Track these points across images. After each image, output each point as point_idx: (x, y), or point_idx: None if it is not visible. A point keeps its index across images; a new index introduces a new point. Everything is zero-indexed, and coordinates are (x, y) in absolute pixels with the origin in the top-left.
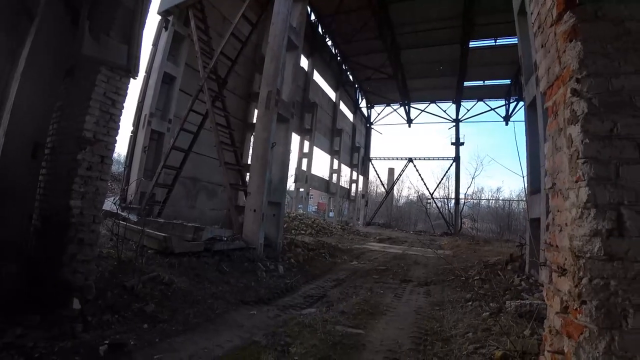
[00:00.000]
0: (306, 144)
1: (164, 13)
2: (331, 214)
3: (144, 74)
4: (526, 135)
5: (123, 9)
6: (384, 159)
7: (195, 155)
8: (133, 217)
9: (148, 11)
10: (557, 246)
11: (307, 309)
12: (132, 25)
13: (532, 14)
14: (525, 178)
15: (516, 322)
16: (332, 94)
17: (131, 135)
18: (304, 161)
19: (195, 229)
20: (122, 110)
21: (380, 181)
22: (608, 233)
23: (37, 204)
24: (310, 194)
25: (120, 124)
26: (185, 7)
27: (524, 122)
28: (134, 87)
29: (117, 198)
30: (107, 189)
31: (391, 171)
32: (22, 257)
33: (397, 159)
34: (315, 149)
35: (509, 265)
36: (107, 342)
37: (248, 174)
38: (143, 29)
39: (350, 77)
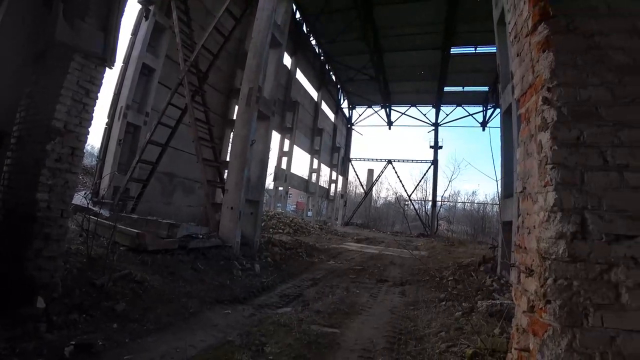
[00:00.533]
0: (286, 142)
1: (145, 2)
2: (310, 214)
3: (122, 64)
4: (501, 141)
5: None
6: (364, 160)
7: (173, 150)
8: (105, 213)
9: None
10: (525, 248)
11: (283, 308)
12: (110, 12)
13: (509, 23)
14: (499, 182)
15: (487, 321)
16: (314, 93)
17: (106, 128)
18: (284, 160)
19: (170, 226)
20: (97, 101)
21: (360, 182)
22: (572, 236)
23: (0, 195)
24: (289, 192)
25: (93, 115)
26: None
27: (499, 129)
28: (110, 77)
29: (89, 192)
30: (77, 182)
31: (370, 172)
32: None
33: (376, 160)
34: (296, 148)
35: (481, 266)
36: (73, 342)
37: (226, 171)
38: (122, 16)
39: (333, 77)
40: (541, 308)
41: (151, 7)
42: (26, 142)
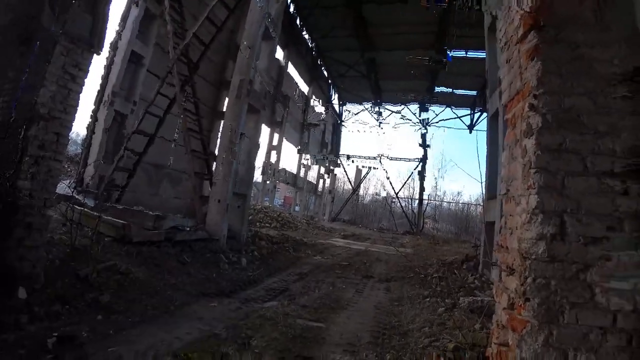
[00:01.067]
0: (276, 136)
1: None
2: (297, 208)
3: (109, 50)
4: (487, 144)
5: None
6: (353, 156)
7: (161, 140)
8: (90, 202)
9: None
10: (507, 248)
11: (269, 302)
12: None
13: (500, 30)
14: (484, 184)
15: (468, 317)
16: (305, 88)
17: (92, 115)
18: (273, 154)
19: (156, 218)
20: (83, 87)
21: (348, 178)
22: (552, 237)
23: None
24: (277, 187)
25: (79, 101)
26: None
27: (486, 132)
28: (98, 63)
29: (73, 181)
30: (61, 170)
31: (359, 169)
32: None
33: (366, 157)
34: (285, 142)
35: (464, 264)
36: (56, 334)
37: (214, 163)
38: (111, 1)
39: (325, 72)
40: (520, 305)
41: None
42: (8, 127)
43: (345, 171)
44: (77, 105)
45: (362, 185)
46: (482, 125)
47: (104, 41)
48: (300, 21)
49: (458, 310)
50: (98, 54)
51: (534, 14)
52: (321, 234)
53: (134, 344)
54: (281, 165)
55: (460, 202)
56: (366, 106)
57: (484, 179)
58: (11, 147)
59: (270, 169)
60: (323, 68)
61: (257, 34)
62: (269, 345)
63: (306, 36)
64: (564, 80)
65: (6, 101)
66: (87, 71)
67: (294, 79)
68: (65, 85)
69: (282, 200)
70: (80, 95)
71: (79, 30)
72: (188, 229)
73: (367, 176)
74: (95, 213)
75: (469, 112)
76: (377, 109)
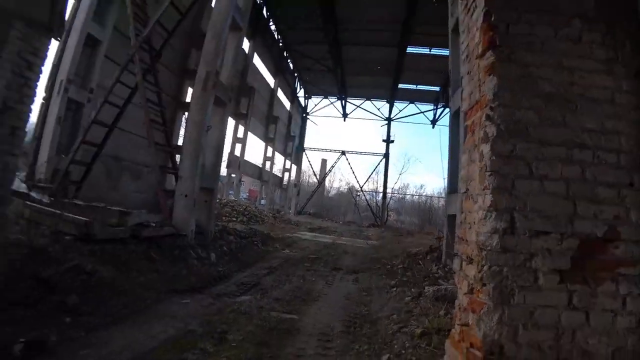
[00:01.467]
0: (241, 129)
1: None
2: (263, 202)
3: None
4: (449, 139)
5: None
6: (318, 150)
7: (120, 131)
8: (44, 199)
9: None
10: (466, 240)
11: (242, 297)
12: None
13: (462, 43)
14: (446, 179)
15: (433, 304)
16: (270, 80)
17: (43, 103)
18: (238, 146)
19: (120, 213)
20: (40, 75)
21: (313, 171)
22: (504, 231)
23: None
24: (242, 180)
25: (37, 90)
26: None
27: (448, 128)
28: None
29: (23, 175)
30: (17, 165)
31: (324, 162)
32: None
33: (330, 150)
34: (250, 135)
35: (428, 255)
36: (22, 339)
37: (178, 156)
38: None
39: (291, 65)
40: (478, 290)
41: None
42: None
43: (310, 164)
44: (34, 94)
45: (327, 178)
46: (445, 120)
47: (64, 24)
48: (267, 12)
49: (424, 298)
50: (58, 39)
51: (491, 34)
52: (288, 227)
53: (107, 345)
54: (246, 158)
55: (424, 194)
56: (331, 100)
57: (445, 174)
58: None
59: (235, 162)
60: (289, 60)
61: (225, 25)
62: (245, 338)
63: (273, 27)
64: (515, 95)
65: None
66: (45, 57)
67: (259, 71)
68: (22, 73)
69: (247, 194)
70: (38, 83)
71: (36, 12)
72: (154, 225)
73: (332, 169)
74: (53, 210)
75: (432, 107)
76: (342, 103)
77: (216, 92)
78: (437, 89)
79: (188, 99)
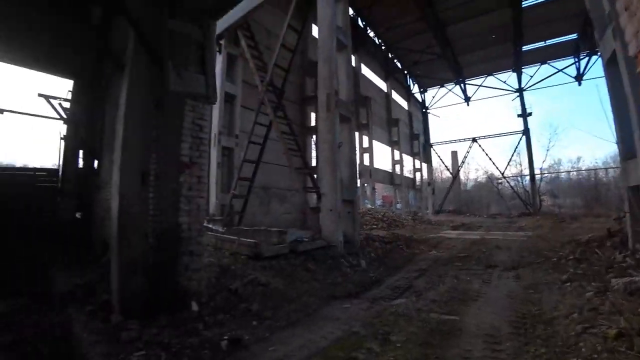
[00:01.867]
0: (365, 138)
1: (216, 37)
2: (398, 206)
3: None
4: (610, 95)
5: (195, 44)
6: (446, 142)
7: (264, 164)
8: (220, 228)
9: (215, 41)
10: None
11: (397, 300)
12: (204, 56)
13: None
14: (618, 142)
15: (627, 299)
16: (382, 85)
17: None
18: (365, 156)
19: (279, 233)
20: (209, 134)
21: (445, 166)
22: None
23: (149, 224)
24: (374, 188)
25: (208, 146)
26: (234, 28)
27: (604, 79)
28: None
29: None
30: (205, 205)
31: (455, 155)
32: (145, 270)
33: (459, 141)
34: (375, 143)
35: (607, 241)
36: (226, 337)
37: (315, 175)
38: (215, 58)
39: (398, 64)
40: None
41: (221, 41)
42: (162, 177)
43: (440, 159)
44: (208, 150)
45: (461, 170)
46: (595, 71)
47: (216, 92)
48: (362, 21)
49: (612, 293)
50: (214, 103)
51: None
52: (429, 228)
53: (288, 344)
54: (375, 166)
55: (583, 169)
56: (449, 87)
57: (614, 137)
58: (167, 192)
59: (366, 171)
60: (395, 60)
61: (332, 48)
62: (409, 339)
63: (371, 34)
64: None
65: (154, 157)
66: (209, 120)
67: (369, 79)
68: (197, 135)
69: (382, 200)
70: (207, 140)
71: (197, 88)
72: (307, 239)
73: (465, 160)
74: (230, 237)
75: (572, 61)
76: (461, 87)
77: (339, 110)
78: (573, 36)
79: (312, 123)
